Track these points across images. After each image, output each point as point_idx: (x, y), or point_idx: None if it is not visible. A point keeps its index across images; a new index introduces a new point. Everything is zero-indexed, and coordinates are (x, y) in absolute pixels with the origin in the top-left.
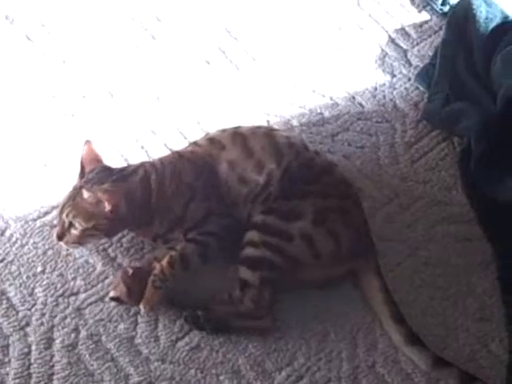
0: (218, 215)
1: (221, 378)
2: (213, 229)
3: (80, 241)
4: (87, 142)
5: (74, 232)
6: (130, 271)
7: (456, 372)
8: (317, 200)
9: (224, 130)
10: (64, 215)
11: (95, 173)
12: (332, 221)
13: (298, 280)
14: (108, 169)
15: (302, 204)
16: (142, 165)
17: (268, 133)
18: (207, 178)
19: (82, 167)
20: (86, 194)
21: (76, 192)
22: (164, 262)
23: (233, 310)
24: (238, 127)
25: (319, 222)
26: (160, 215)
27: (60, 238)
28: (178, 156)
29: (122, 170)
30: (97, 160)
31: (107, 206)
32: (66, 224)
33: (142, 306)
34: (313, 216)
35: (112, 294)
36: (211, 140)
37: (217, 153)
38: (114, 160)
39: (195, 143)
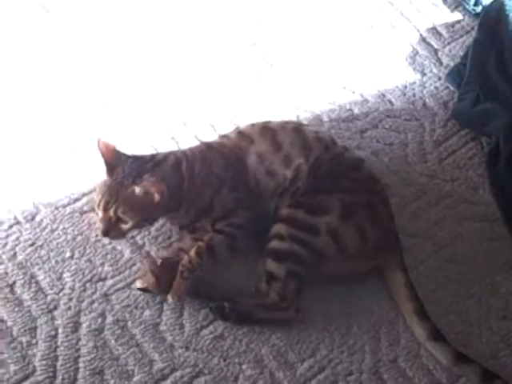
0: (246, 207)
1: (243, 366)
2: (240, 221)
3: (129, 233)
4: (98, 140)
5: (124, 226)
6: (159, 261)
7: (477, 369)
8: (344, 195)
9: (253, 125)
10: (111, 212)
11: (129, 166)
12: (359, 216)
13: (323, 273)
14: (138, 158)
15: (330, 199)
16: (172, 153)
17: (297, 128)
18: (236, 169)
19: (107, 163)
20: (137, 190)
21: (118, 188)
22: (192, 252)
23: (259, 303)
24: (268, 122)
25: (346, 217)
26: (188, 203)
27: (106, 233)
28: (208, 147)
29: (153, 156)
30: (113, 149)
31: (157, 196)
32: (114, 220)
33: (169, 297)
34: (340, 211)
35: (139, 284)
36: (241, 133)
37: (246, 145)
38: (145, 150)
39: (225, 136)
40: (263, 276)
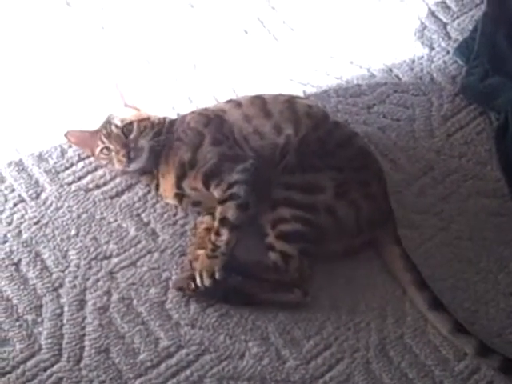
0: (234, 161)
1: (249, 344)
2: (233, 178)
3: None
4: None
5: None
6: None
7: (474, 341)
8: (336, 173)
9: (245, 95)
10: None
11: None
12: (353, 193)
13: (322, 251)
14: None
15: (321, 177)
16: None
17: (289, 100)
18: (217, 125)
19: None
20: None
21: None
22: (212, 234)
23: (276, 278)
24: (261, 94)
25: (341, 194)
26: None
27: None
28: (191, 112)
29: None
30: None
31: None
32: None
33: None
34: (334, 189)
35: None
36: (230, 100)
37: (230, 108)
38: None
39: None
40: (277, 255)
